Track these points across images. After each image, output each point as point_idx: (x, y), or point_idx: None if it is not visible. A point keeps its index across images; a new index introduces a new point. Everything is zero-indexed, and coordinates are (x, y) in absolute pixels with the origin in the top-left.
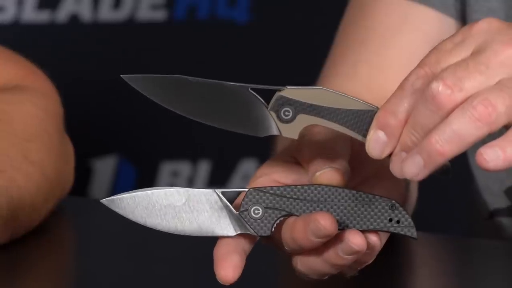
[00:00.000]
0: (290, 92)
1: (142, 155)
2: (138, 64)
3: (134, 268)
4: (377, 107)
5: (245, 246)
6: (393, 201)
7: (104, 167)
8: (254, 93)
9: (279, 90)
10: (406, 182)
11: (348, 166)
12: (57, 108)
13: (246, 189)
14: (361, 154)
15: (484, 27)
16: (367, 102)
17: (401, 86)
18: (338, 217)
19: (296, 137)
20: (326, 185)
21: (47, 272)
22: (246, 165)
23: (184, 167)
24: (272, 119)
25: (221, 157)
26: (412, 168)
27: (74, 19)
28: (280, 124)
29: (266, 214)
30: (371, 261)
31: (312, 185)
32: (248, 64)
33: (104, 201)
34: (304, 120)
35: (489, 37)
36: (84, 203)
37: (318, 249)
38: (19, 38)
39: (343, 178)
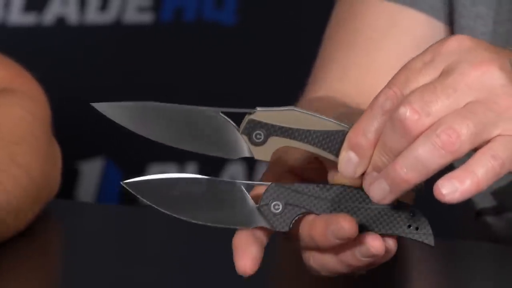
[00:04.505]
0: (261, 115)
1: (129, 157)
2: (125, 66)
3: (121, 270)
4: (348, 126)
5: (263, 238)
6: (414, 207)
7: (91, 170)
8: (225, 117)
9: (250, 113)
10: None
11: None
12: (45, 111)
13: (267, 184)
14: None
15: (455, 45)
16: (338, 122)
17: (370, 106)
18: (357, 219)
19: (268, 159)
20: (348, 186)
21: (33, 275)
22: (233, 167)
23: (171, 169)
24: (244, 142)
25: (208, 159)
26: (378, 192)
27: (60, 22)
28: (252, 147)
29: (285, 210)
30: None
31: (334, 184)
32: (235, 66)
33: (125, 183)
34: (276, 142)
35: (459, 57)
36: (70, 205)
37: (334, 249)
38: (6, 41)
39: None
